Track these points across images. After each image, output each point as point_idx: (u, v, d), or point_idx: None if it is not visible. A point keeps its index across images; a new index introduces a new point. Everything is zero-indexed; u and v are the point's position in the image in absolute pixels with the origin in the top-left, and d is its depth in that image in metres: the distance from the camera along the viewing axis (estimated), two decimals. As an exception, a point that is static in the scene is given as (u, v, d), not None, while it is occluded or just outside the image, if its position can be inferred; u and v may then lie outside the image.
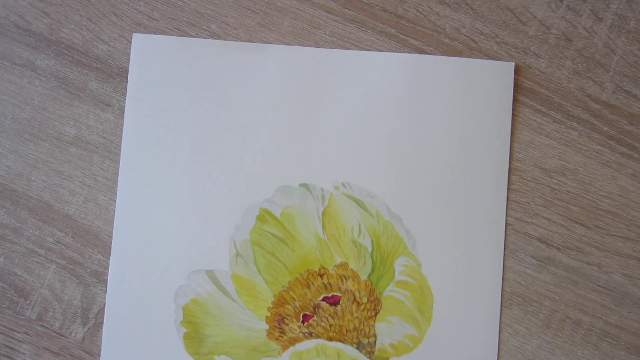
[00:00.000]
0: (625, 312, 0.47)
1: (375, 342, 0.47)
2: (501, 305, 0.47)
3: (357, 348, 0.47)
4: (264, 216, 0.48)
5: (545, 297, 0.47)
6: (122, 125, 0.48)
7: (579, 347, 0.47)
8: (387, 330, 0.47)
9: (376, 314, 0.47)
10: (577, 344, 0.47)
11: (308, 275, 0.47)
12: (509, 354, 0.47)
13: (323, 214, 0.48)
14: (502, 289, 0.47)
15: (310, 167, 0.48)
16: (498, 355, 0.47)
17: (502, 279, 0.47)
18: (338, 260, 0.47)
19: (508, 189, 0.48)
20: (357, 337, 0.47)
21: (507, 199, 0.48)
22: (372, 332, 0.47)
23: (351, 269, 0.47)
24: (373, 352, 0.47)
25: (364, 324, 0.47)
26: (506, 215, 0.48)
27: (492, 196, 0.48)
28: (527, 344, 0.47)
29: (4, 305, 0.48)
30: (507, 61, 0.48)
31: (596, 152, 0.48)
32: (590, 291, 0.47)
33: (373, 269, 0.47)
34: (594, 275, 0.48)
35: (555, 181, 0.48)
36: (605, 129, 0.48)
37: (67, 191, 0.48)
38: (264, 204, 0.48)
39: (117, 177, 0.48)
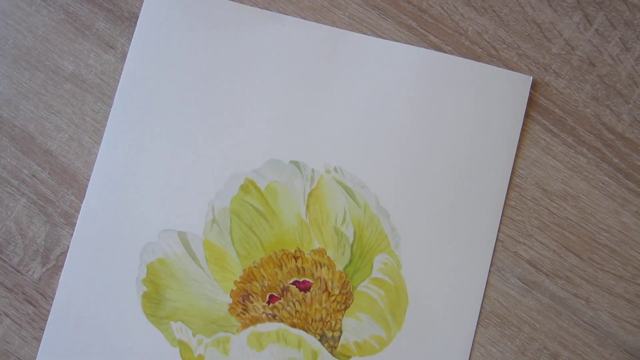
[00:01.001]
0: (607, 353, 0.44)
1: (339, 337, 0.45)
2: (478, 323, 0.45)
3: (320, 340, 0.44)
4: (248, 187, 0.46)
5: (526, 322, 0.45)
6: (122, 70, 0.47)
7: (552, 382, 0.44)
8: (355, 327, 0.45)
9: (346, 308, 0.45)
10: (551, 378, 0.44)
11: (282, 255, 0.45)
12: (477, 375, 0.45)
13: (309, 195, 0.46)
14: (482, 307, 0.45)
15: (304, 146, 0.46)
16: (466, 374, 0.44)
17: (484, 295, 0.45)
18: (316, 245, 0.45)
19: (505, 204, 0.46)
20: (321, 329, 0.45)
21: (502, 215, 0.46)
22: (338, 326, 0.45)
23: (328, 257, 0.45)
24: (335, 347, 0.44)
25: (331, 316, 0.45)
26: (498, 231, 0.45)
27: (487, 208, 0.46)
28: (498, 369, 0.45)
29: (-34, 232, 0.46)
30: (526, 74, 0.47)
31: (602, 183, 0.46)
32: (573, 325, 0.45)
33: (351, 261, 0.45)
34: (580, 309, 0.45)
35: (555, 205, 0.46)
36: (616, 160, 0.46)
37: (53, 126, 0.47)
38: (251, 174, 0.46)
39: (107, 120, 0.46)
